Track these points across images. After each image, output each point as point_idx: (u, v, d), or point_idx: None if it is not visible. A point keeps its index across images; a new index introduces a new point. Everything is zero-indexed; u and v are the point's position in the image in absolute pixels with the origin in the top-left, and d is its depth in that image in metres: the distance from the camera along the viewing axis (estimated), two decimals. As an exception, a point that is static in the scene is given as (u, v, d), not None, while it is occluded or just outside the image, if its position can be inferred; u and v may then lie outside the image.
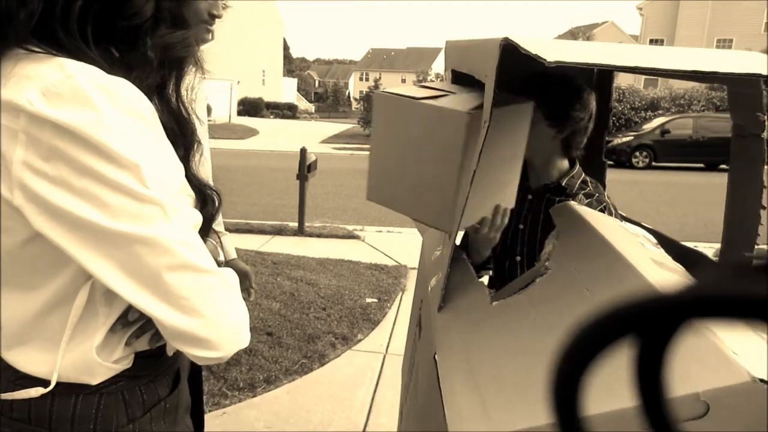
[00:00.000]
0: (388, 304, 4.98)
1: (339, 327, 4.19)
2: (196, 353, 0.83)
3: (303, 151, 8.02)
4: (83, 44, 0.80)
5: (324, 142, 23.88)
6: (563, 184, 1.73)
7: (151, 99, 0.85)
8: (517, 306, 1.07)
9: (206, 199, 0.95)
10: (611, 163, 16.57)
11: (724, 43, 29.97)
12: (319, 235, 8.14)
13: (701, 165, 17.58)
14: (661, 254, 1.16)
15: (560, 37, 26.44)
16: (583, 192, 1.72)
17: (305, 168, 8.04)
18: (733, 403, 0.75)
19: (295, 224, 8.32)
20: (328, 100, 76.29)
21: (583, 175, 1.79)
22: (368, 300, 4.99)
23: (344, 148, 22.00)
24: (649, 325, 0.34)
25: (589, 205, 1.61)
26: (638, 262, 0.97)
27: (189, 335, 0.81)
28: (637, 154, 17.25)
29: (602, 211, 1.65)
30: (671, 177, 15.90)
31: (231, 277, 0.89)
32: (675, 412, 0.37)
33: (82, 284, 0.84)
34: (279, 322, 3.93)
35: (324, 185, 12.90)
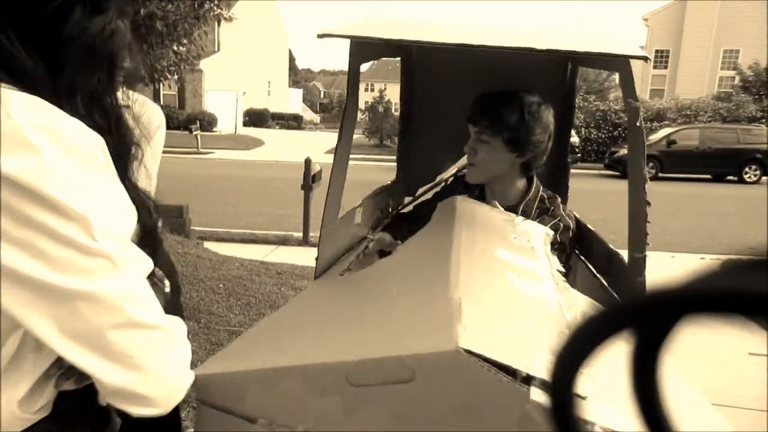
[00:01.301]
0: (393, 316, 4.94)
1: (343, 338, 4.16)
2: (132, 410, 0.77)
3: (307, 162, 8.02)
4: (10, 46, 0.73)
5: (329, 152, 23.90)
6: (520, 210, 1.71)
7: (88, 107, 0.79)
8: (366, 282, 1.24)
9: (143, 210, 0.88)
10: (618, 173, 16.49)
11: (731, 53, 29.93)
12: (323, 246, 8.11)
13: (708, 176, 17.49)
14: (534, 276, 1.16)
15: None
16: (539, 209, 1.74)
17: (310, 178, 8.03)
18: (437, 370, 0.79)
19: (300, 234, 8.30)
20: (333, 111, 76.56)
21: (540, 191, 1.78)
22: (373, 311, 4.95)
23: (350, 159, 22.00)
24: (648, 320, 0.35)
25: (542, 221, 1.64)
26: (460, 275, 1.00)
27: (128, 392, 0.75)
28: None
29: (556, 224, 1.68)
30: (677, 188, 15.82)
31: (178, 328, 0.83)
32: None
33: (12, 331, 0.75)
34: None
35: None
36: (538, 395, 0.76)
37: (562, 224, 1.70)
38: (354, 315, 1.07)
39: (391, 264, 1.28)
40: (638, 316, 0.36)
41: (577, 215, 1.84)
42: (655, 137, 18.00)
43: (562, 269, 1.30)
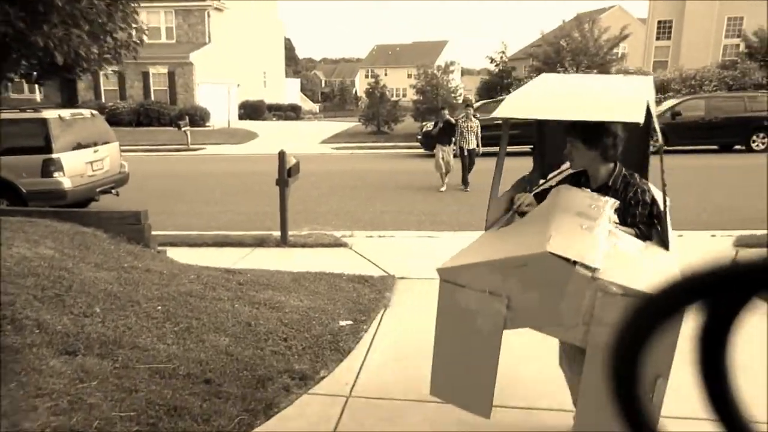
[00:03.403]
0: (365, 327, 4.38)
1: (300, 362, 3.59)
2: None
3: (282, 155, 7.42)
4: None
5: (324, 142, 23.30)
6: (610, 183, 2.64)
7: None
8: (512, 227, 2.67)
9: None
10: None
11: (735, 21, 28.93)
12: (303, 245, 7.55)
13: (715, 147, 16.75)
14: (594, 225, 2.26)
15: (568, 23, 25.56)
16: (623, 183, 2.63)
17: (285, 172, 7.45)
18: (538, 268, 2.05)
19: (280, 233, 7.74)
20: (335, 100, 75.77)
21: (623, 170, 2.67)
22: (341, 323, 4.38)
23: (344, 148, 21.39)
24: (723, 293, 0.35)
25: (626, 189, 2.60)
26: (557, 223, 2.22)
27: None
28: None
29: (634, 191, 2.61)
30: (684, 160, 15.10)
31: None
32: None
33: None
34: (224, 364, 3.34)
35: (319, 187, 12.32)
36: (606, 285, 1.94)
37: (639, 192, 2.61)
38: (510, 240, 2.39)
39: (527, 218, 2.60)
40: (714, 288, 0.35)
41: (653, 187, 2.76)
42: (659, 109, 17.26)
43: (616, 219, 2.39)
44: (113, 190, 10.45)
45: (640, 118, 2.23)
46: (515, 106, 2.65)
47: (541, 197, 2.76)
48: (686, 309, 0.36)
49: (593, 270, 2.01)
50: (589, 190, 2.56)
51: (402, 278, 5.93)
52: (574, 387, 2.52)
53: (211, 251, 7.51)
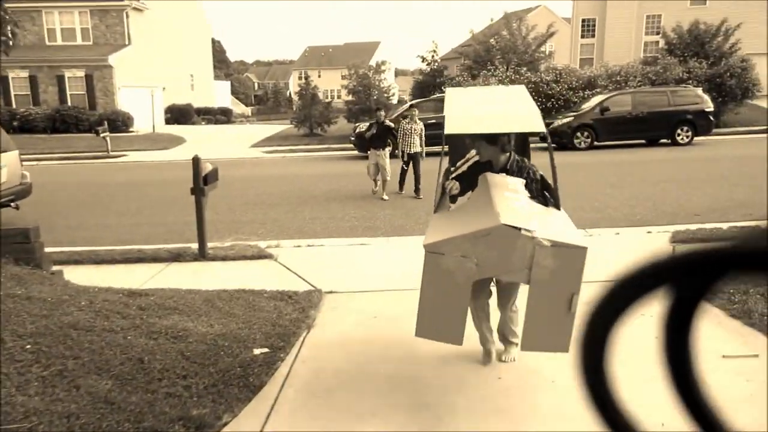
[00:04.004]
0: (282, 355, 3.86)
1: (198, 405, 3.03)
2: None
3: (196, 161, 6.76)
4: None
5: (255, 145, 22.44)
6: (507, 167, 3.61)
7: None
8: (458, 207, 3.62)
9: None
10: (555, 145, 15.93)
11: (654, 18, 30.05)
12: (224, 258, 6.92)
13: (642, 141, 17.13)
14: (518, 199, 3.23)
15: (496, 24, 25.76)
16: (517, 166, 3.62)
17: (200, 180, 6.80)
18: (497, 236, 2.92)
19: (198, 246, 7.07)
20: (268, 102, 74.26)
21: (516, 156, 3.66)
22: (256, 352, 3.85)
23: (276, 151, 20.64)
24: (689, 276, 0.36)
25: (520, 172, 3.59)
26: (497, 202, 3.09)
27: None
28: (579, 134, 16.58)
29: (527, 173, 3.59)
30: (614, 156, 15.33)
31: None
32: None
33: None
34: (100, 416, 2.74)
35: (245, 194, 11.62)
36: (540, 241, 2.87)
37: (531, 173, 3.61)
38: (467, 218, 3.21)
39: (471, 200, 3.45)
40: (679, 272, 0.37)
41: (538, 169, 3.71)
42: (587, 105, 17.48)
43: (528, 194, 3.38)
44: (12, 204, 9.42)
45: (542, 127, 3.46)
46: (456, 125, 3.63)
47: (459, 180, 3.66)
48: (652, 294, 0.37)
49: (531, 231, 2.93)
50: (504, 174, 3.57)
51: (330, 293, 5.44)
52: (485, 336, 3.65)
53: (119, 269, 6.78)
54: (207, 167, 6.97)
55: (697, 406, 0.40)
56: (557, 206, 3.54)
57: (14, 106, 27.58)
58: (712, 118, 16.70)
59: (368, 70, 22.53)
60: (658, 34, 26.55)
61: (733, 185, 9.97)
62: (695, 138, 16.68)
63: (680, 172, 12.04)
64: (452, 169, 3.85)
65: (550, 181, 3.62)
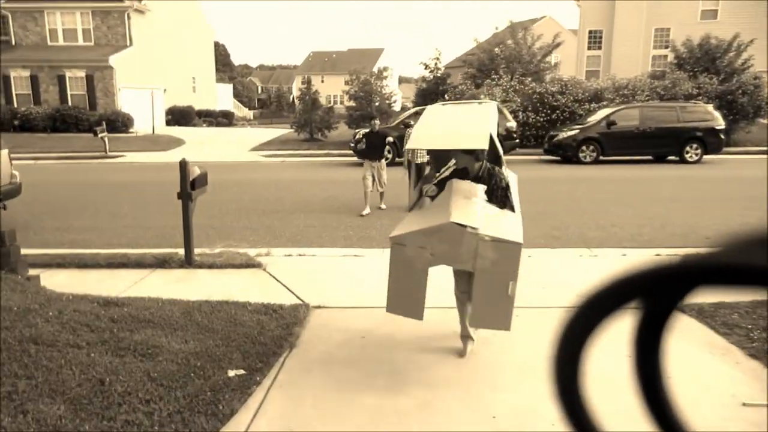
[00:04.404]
0: (259, 378, 3.53)
1: (159, 438, 2.70)
2: None
3: (183, 165, 6.46)
4: None
5: (254, 149, 22.16)
6: (480, 174, 4.09)
7: None
8: (425, 207, 4.14)
9: None
10: (558, 158, 15.60)
11: (662, 32, 29.80)
12: (211, 266, 6.60)
13: (649, 157, 16.81)
14: (474, 202, 3.78)
15: (500, 33, 25.53)
16: (488, 173, 4.10)
17: (187, 184, 6.49)
18: (447, 231, 3.48)
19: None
20: (271, 106, 74.18)
21: (487, 164, 4.15)
22: (230, 373, 3.52)
23: (275, 156, 20.35)
24: (659, 290, 0.37)
25: (491, 177, 4.08)
26: (453, 203, 3.71)
27: None
28: (584, 148, 16.25)
29: (495, 179, 4.10)
30: (620, 171, 15.00)
31: None
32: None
33: None
34: (43, 450, 2.43)
35: (240, 199, 11.32)
36: (483, 236, 3.42)
37: (498, 180, 4.09)
38: (429, 215, 3.82)
39: (436, 201, 4.00)
40: (649, 286, 0.37)
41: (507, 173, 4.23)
42: (594, 118, 17.16)
43: (485, 197, 3.88)
44: (0, 204, 9.13)
45: (485, 145, 3.78)
46: (415, 141, 4.26)
47: (440, 185, 4.16)
48: (624, 307, 0.38)
49: (476, 228, 3.43)
50: (469, 180, 4.01)
51: (318, 307, 5.12)
52: (462, 306, 4.10)
53: (102, 274, 6.47)
54: (195, 171, 6.66)
55: (666, 418, 0.40)
56: (512, 209, 4.02)
57: (15, 105, 27.38)
58: (722, 136, 16.33)
59: (370, 75, 22.25)
60: (666, 47, 26.29)
61: (745, 208, 9.62)
62: (705, 156, 16.31)
63: (689, 192, 11.71)
64: (437, 174, 4.58)
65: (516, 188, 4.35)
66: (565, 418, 0.43)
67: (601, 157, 16.36)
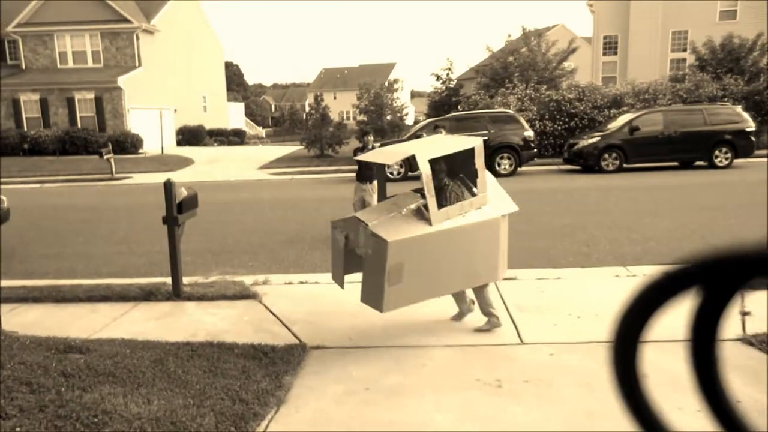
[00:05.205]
0: (232, 452, 2.78)
1: None
2: None
3: (168, 186, 5.78)
4: None
5: (264, 167, 21.59)
6: (442, 186, 4.62)
7: None
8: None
9: None
10: (579, 167, 14.71)
11: (680, 35, 28.90)
12: (200, 298, 5.90)
13: (675, 163, 15.90)
14: (394, 208, 4.42)
15: (514, 41, 24.83)
16: (441, 182, 4.61)
17: (173, 208, 5.82)
18: (354, 222, 4.48)
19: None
20: (284, 124, 74.12)
21: (444, 177, 4.70)
22: (196, 448, 2.78)
23: (284, 173, 19.74)
24: (717, 279, 0.38)
25: (444, 189, 4.61)
26: (377, 206, 4.92)
27: None
28: (606, 156, 15.37)
29: (448, 191, 4.64)
30: (647, 179, 14.11)
31: None
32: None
33: None
34: None
35: (242, 220, 10.66)
36: (370, 232, 4.08)
37: (448, 189, 4.61)
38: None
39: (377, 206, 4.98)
40: (708, 275, 0.38)
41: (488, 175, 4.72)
42: (615, 125, 16.28)
43: (413, 207, 4.42)
44: (-17, 232, 8.55)
45: (423, 166, 4.28)
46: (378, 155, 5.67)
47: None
48: (681, 295, 0.38)
49: (367, 225, 4.14)
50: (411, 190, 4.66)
51: (317, 348, 4.40)
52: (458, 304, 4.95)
53: (80, 309, 5.82)
54: (182, 193, 6.00)
55: (721, 405, 0.40)
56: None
57: (25, 128, 27.24)
58: (753, 138, 15.39)
59: (380, 88, 21.62)
60: (684, 50, 25.41)
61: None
62: (735, 160, 15.35)
63: (725, 198, 10.82)
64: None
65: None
66: (622, 401, 0.44)
67: (625, 165, 15.48)
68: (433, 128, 10.79)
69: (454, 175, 4.74)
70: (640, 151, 15.29)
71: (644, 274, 5.88)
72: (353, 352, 4.30)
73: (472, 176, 4.65)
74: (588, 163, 15.56)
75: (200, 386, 3.54)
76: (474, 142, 4.63)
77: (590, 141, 15.83)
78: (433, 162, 4.40)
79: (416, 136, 14.99)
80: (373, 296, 4.16)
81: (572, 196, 11.84)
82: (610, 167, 15.44)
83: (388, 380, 3.67)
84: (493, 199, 4.60)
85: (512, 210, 4.66)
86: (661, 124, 15.38)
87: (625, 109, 18.38)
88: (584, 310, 4.93)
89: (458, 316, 4.89)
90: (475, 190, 4.63)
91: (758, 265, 0.36)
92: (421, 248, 4.17)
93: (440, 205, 4.30)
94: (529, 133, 15.98)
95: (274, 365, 3.94)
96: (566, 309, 4.96)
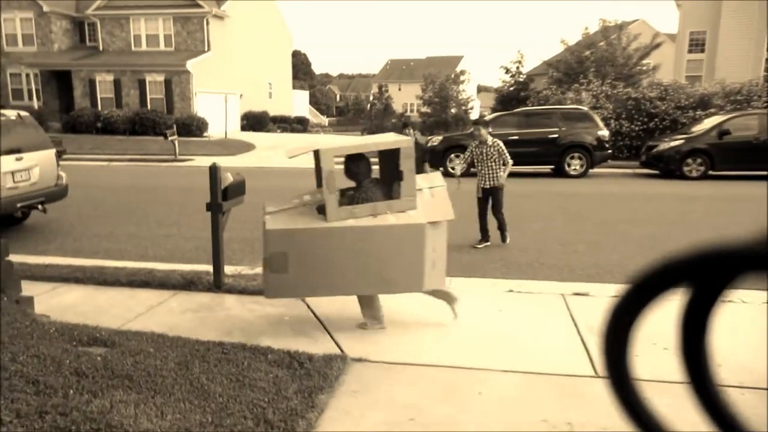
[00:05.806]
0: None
1: None
2: None
3: (213, 169, 5.42)
4: None
5: (324, 156, 21.33)
6: (360, 186, 4.59)
7: None
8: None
9: None
10: (657, 172, 13.46)
11: (776, 34, 26.57)
12: (242, 291, 5.55)
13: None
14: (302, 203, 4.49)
15: (591, 35, 23.50)
16: (363, 186, 4.52)
17: (218, 194, 5.46)
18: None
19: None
20: (348, 114, 74.42)
21: (372, 177, 4.61)
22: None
23: (341, 163, 19.39)
24: (708, 273, 0.37)
25: (361, 188, 4.48)
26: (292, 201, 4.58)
27: None
28: (690, 161, 14.09)
29: (362, 192, 4.44)
30: (738, 188, 12.83)
31: None
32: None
33: None
34: None
35: (297, 209, 10.32)
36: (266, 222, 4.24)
37: (363, 191, 4.46)
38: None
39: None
40: (698, 270, 0.37)
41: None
42: (701, 127, 14.96)
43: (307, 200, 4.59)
44: (40, 206, 8.56)
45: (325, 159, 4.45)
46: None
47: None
48: (672, 290, 0.38)
49: (266, 221, 4.19)
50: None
51: (359, 360, 3.89)
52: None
53: (119, 294, 5.58)
54: (228, 178, 5.64)
55: (712, 401, 0.40)
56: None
57: (99, 108, 28.15)
58: None
59: (446, 80, 20.90)
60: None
61: None
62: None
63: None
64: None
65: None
66: (612, 393, 0.44)
67: (710, 172, 14.18)
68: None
69: (387, 178, 4.55)
70: (730, 158, 13.92)
71: (743, 300, 5.04)
72: (399, 369, 3.78)
73: (402, 179, 4.38)
74: (668, 167, 14.35)
75: (223, 399, 3.10)
76: (402, 143, 4.33)
77: (672, 144, 14.59)
78: (349, 160, 4.45)
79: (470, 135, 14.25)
80: (263, 283, 4.43)
81: (651, 203, 10.84)
82: (694, 173, 14.17)
83: (437, 411, 3.12)
84: (425, 205, 4.34)
85: (446, 218, 4.39)
86: (755, 129, 13.97)
87: (712, 110, 16.91)
88: (673, 340, 4.19)
89: (362, 325, 4.57)
90: (398, 194, 4.37)
91: (749, 260, 0.35)
92: (309, 241, 4.18)
93: (349, 204, 4.28)
94: (604, 133, 14.92)
95: (309, 378, 3.47)
96: (651, 336, 4.25)
